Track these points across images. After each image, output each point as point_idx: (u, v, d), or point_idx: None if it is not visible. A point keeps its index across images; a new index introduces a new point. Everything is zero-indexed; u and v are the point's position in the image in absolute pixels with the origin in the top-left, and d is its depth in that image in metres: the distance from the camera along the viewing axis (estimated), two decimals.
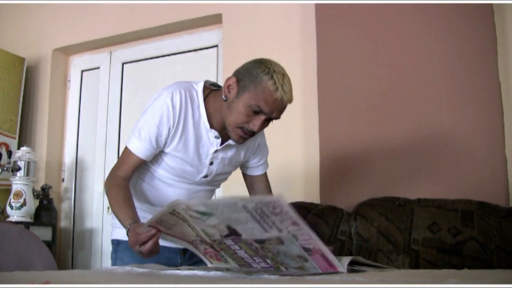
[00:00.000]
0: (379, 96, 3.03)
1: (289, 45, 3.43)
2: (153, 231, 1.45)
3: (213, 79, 3.74)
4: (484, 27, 2.86)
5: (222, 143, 1.92)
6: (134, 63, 4.30)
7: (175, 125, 1.85)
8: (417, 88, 2.95)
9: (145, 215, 1.99)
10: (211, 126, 1.89)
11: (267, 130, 1.97)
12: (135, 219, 1.69)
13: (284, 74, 1.75)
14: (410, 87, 2.97)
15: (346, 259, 1.41)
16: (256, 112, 1.77)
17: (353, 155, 3.04)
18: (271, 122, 1.85)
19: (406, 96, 2.97)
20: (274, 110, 1.76)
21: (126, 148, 1.90)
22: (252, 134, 1.85)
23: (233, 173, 2.13)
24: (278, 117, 1.81)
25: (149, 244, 1.47)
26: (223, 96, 1.82)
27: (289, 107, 1.81)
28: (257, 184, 2.16)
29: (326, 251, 1.25)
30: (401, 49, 3.03)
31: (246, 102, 1.75)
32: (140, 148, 1.86)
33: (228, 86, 1.81)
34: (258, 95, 1.73)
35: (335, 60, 3.18)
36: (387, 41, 3.07)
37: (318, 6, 3.27)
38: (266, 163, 2.16)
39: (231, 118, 1.81)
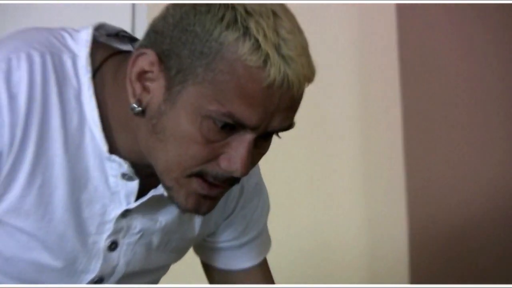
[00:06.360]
0: None
1: None
2: None
3: None
4: None
5: (143, 191, 0.77)
6: None
7: (18, 144, 0.70)
8: None
9: None
10: (113, 146, 0.74)
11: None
12: None
13: (275, 13, 0.65)
14: None
15: None
16: (231, 129, 0.67)
17: None
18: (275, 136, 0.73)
19: None
20: (275, 113, 0.66)
21: None
22: (230, 183, 0.73)
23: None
24: (286, 127, 0.70)
25: None
26: (133, 105, 0.70)
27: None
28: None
29: None
30: None
31: (197, 110, 0.66)
32: None
33: (140, 76, 0.69)
34: (225, 87, 0.64)
35: None
36: None
37: None
38: (262, 238, 0.98)
39: (165, 155, 0.70)
